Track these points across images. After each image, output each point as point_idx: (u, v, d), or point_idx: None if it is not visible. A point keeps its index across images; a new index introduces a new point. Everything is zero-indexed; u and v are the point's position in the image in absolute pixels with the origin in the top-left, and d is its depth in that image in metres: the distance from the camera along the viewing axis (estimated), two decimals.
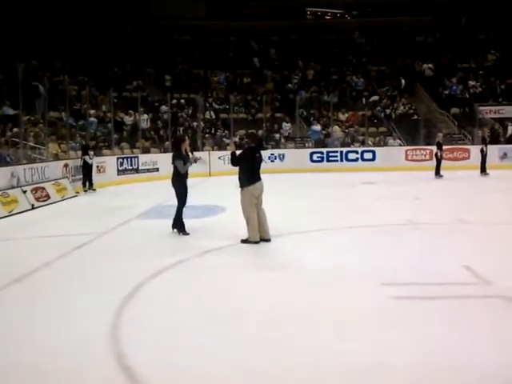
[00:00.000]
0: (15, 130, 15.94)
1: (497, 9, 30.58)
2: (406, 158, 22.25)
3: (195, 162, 9.22)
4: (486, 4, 30.85)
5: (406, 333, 4.60)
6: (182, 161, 8.86)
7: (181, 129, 23.06)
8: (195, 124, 23.79)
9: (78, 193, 15.48)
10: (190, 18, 30.85)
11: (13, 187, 12.59)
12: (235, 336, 4.62)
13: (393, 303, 5.38)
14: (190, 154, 9.42)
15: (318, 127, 24.24)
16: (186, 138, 10.01)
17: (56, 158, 16.51)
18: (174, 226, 9.14)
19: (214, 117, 25.28)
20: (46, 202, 13.30)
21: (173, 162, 8.97)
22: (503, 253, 7.34)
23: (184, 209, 9.09)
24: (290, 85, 27.84)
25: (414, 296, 5.57)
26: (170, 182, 9.11)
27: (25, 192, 12.64)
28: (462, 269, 6.45)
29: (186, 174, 9.08)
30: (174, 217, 9.11)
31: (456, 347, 4.29)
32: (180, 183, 8.96)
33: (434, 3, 31.69)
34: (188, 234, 9.03)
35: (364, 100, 26.39)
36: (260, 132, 22.38)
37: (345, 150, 22.87)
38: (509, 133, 23.14)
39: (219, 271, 6.76)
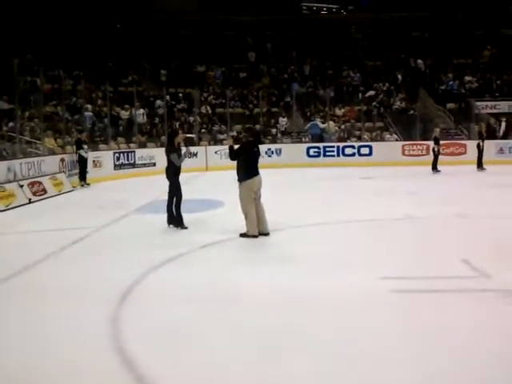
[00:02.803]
0: (11, 124, 15.88)
1: (492, 4, 30.60)
2: (403, 153, 22.26)
3: (190, 155, 9.31)
4: None
5: (405, 325, 4.63)
6: (176, 154, 8.96)
7: (177, 123, 23.01)
8: (191, 119, 23.75)
9: (74, 187, 15.44)
10: (185, 13, 30.71)
11: (9, 181, 12.56)
12: (234, 327, 4.65)
13: (392, 296, 5.40)
14: (183, 147, 9.50)
15: (319, 122, 24.13)
16: (180, 131, 10.04)
17: (52, 152, 16.45)
18: (169, 222, 9.13)
19: (210, 111, 25.24)
20: (42, 197, 13.27)
21: (167, 156, 9.05)
22: (501, 246, 7.36)
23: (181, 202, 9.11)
24: (285, 75, 27.82)
25: (412, 289, 5.60)
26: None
27: (22, 186, 12.61)
28: (460, 262, 6.48)
29: (179, 168, 9.12)
30: (167, 212, 9.10)
31: (455, 340, 4.32)
32: (175, 176, 9.02)
33: None
34: (186, 227, 9.03)
35: (360, 95, 26.38)
36: (257, 126, 22.35)
37: (341, 144, 22.85)
38: (502, 129, 23.15)
39: (218, 265, 6.77)
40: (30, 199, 12.63)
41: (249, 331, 4.56)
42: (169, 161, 9.03)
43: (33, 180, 13.39)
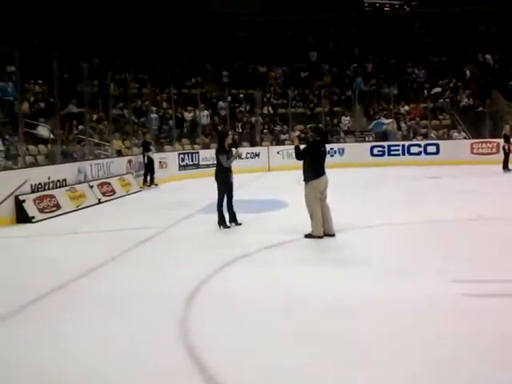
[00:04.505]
0: (81, 127, 16.44)
1: None
2: (472, 152, 21.48)
3: (238, 157, 9.47)
4: None
5: (482, 331, 4.42)
6: (225, 155, 9.06)
7: (239, 124, 23.20)
8: (253, 119, 23.85)
9: (141, 188, 15.84)
10: (246, 14, 30.90)
11: (80, 182, 13.00)
12: (299, 330, 4.58)
13: (465, 300, 5.18)
14: (233, 149, 9.62)
15: (385, 120, 23.64)
16: (229, 133, 10.18)
17: (120, 154, 16.93)
18: (220, 223, 9.18)
19: (271, 112, 25.27)
20: (111, 197, 13.68)
21: (216, 157, 9.18)
22: None
23: (233, 203, 9.25)
24: (347, 71, 27.48)
25: (486, 294, 5.35)
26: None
27: (92, 187, 13.03)
28: None
29: (230, 169, 9.19)
30: (218, 213, 9.16)
31: None
32: (223, 177, 9.10)
33: None
34: (229, 227, 9.14)
35: (426, 92, 25.67)
36: (320, 126, 22.18)
37: (407, 143, 22.32)
38: None
39: (283, 266, 6.71)
40: (99, 199, 13.05)
41: (313, 334, 4.47)
42: (218, 162, 9.15)
43: (102, 181, 13.82)
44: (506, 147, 17.90)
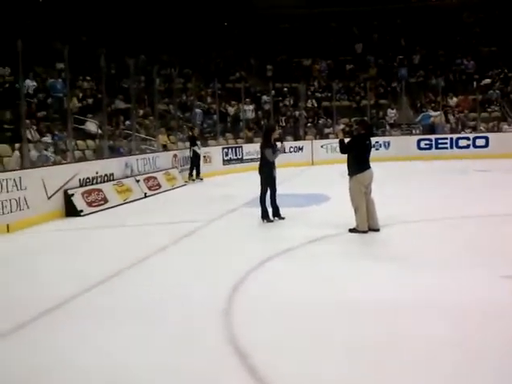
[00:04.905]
0: (127, 122, 16.75)
1: None
2: None
3: (284, 151, 9.55)
4: None
5: None
6: (270, 149, 9.09)
7: (283, 118, 23.13)
8: (297, 113, 23.75)
9: (186, 182, 16.03)
10: (290, 7, 30.69)
11: (127, 177, 13.26)
12: (342, 323, 4.55)
13: None
14: (278, 143, 9.60)
15: (433, 113, 23.08)
16: (276, 127, 10.16)
17: (165, 148, 17.16)
18: (264, 216, 9.20)
19: (315, 105, 25.09)
20: (157, 191, 13.90)
21: (262, 151, 9.20)
22: None
23: (277, 197, 9.26)
24: (394, 63, 26.98)
25: None
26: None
27: (138, 181, 13.28)
28: None
29: (274, 163, 9.19)
30: (261, 207, 9.17)
31: None
32: (267, 172, 9.10)
33: None
34: (272, 221, 9.14)
35: (475, 83, 24.95)
36: (365, 119, 21.88)
37: (455, 136, 21.75)
38: None
39: (328, 260, 6.68)
40: (145, 193, 13.28)
41: (358, 334, 4.40)
42: (263, 156, 9.16)
43: (148, 175, 14.06)
44: None
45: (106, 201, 11.61)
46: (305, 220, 9.33)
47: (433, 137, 21.89)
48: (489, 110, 23.72)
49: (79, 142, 14.63)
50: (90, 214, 10.87)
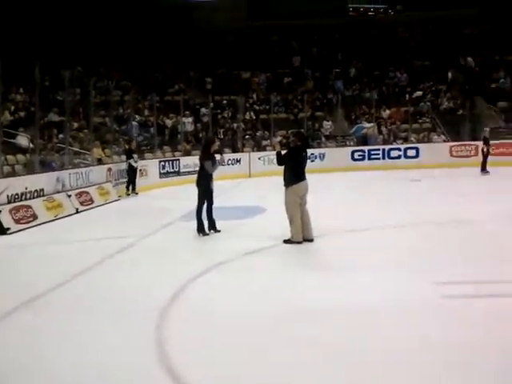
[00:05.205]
0: (61, 136, 16.29)
1: None
2: (451, 154, 21.66)
3: (222, 163, 9.76)
4: None
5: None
6: (210, 161, 9.13)
7: (221, 130, 23.15)
8: (235, 125, 23.83)
9: (120, 196, 15.67)
10: (230, 20, 30.84)
11: (58, 192, 12.85)
12: (280, 337, 4.58)
13: (445, 303, 5.23)
14: (217, 155, 9.61)
15: (366, 124, 23.71)
16: (216, 139, 10.63)
17: (100, 162, 16.77)
18: (199, 230, 9.15)
19: (254, 117, 25.26)
20: (89, 206, 13.53)
21: (201, 163, 9.21)
22: None
23: (214, 210, 9.24)
24: (330, 75, 27.60)
25: (466, 295, 5.42)
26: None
27: (69, 196, 12.89)
28: None
29: (212, 176, 9.23)
30: (197, 220, 9.13)
31: None
32: (205, 184, 9.11)
33: None
34: (208, 234, 9.13)
35: (407, 96, 25.86)
36: (302, 131, 22.21)
37: (387, 147, 22.44)
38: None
39: (262, 272, 6.77)
40: (77, 209, 12.90)
41: (292, 339, 4.47)
42: (202, 168, 9.18)
43: (80, 190, 13.67)
44: (485, 149, 18.06)
45: (35, 217, 11.20)
46: (241, 232, 9.36)
47: (366, 148, 22.48)
48: (420, 121, 24.63)
49: (9, 157, 14.12)
50: (18, 231, 10.45)
